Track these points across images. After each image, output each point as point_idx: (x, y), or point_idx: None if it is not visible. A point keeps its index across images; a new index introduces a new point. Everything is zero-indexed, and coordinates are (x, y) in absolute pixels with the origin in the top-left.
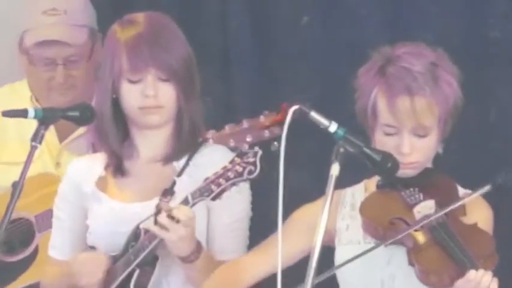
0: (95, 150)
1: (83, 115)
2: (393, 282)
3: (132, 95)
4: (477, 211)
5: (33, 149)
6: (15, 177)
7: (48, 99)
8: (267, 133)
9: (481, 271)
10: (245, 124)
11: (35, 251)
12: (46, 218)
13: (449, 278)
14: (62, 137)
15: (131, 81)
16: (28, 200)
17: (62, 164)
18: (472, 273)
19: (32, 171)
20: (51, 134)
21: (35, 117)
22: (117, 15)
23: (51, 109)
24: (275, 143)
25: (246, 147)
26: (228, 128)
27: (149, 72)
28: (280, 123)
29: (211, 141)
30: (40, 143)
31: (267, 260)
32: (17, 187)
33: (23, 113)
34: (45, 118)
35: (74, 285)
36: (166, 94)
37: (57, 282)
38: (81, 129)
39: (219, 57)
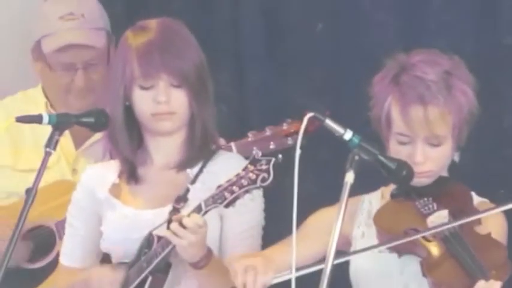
0: (112, 157)
1: (98, 121)
2: None
3: (144, 101)
4: (491, 220)
5: (47, 155)
6: (31, 184)
7: (66, 103)
8: (290, 140)
9: (491, 281)
10: (268, 131)
11: (56, 258)
12: None
13: None
14: (78, 143)
15: (143, 88)
16: (47, 207)
17: (78, 170)
18: (481, 284)
19: (49, 178)
20: (66, 140)
21: (49, 122)
22: (130, 22)
23: (65, 115)
24: None
25: (259, 154)
26: (251, 135)
27: (161, 79)
28: (304, 131)
29: (234, 148)
30: (54, 149)
31: (284, 255)
32: (30, 193)
33: (37, 119)
34: (59, 124)
35: None
36: (178, 100)
37: None
38: (97, 136)
39: (231, 62)
